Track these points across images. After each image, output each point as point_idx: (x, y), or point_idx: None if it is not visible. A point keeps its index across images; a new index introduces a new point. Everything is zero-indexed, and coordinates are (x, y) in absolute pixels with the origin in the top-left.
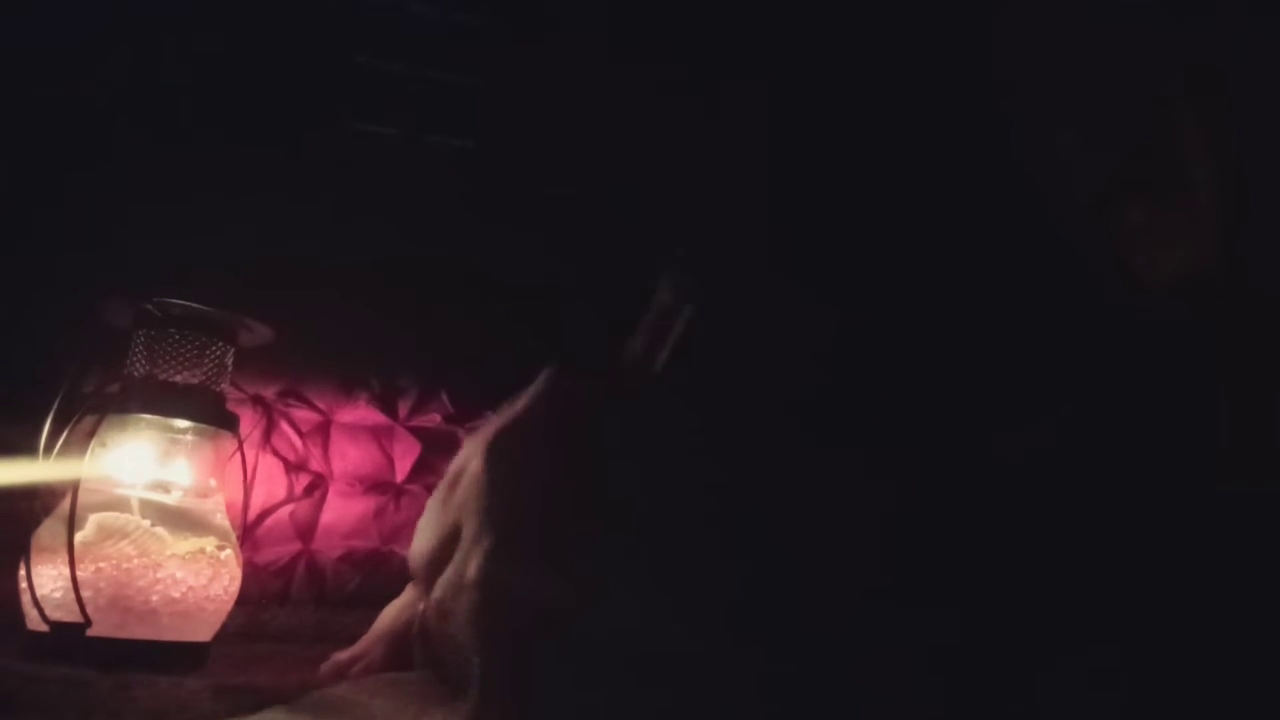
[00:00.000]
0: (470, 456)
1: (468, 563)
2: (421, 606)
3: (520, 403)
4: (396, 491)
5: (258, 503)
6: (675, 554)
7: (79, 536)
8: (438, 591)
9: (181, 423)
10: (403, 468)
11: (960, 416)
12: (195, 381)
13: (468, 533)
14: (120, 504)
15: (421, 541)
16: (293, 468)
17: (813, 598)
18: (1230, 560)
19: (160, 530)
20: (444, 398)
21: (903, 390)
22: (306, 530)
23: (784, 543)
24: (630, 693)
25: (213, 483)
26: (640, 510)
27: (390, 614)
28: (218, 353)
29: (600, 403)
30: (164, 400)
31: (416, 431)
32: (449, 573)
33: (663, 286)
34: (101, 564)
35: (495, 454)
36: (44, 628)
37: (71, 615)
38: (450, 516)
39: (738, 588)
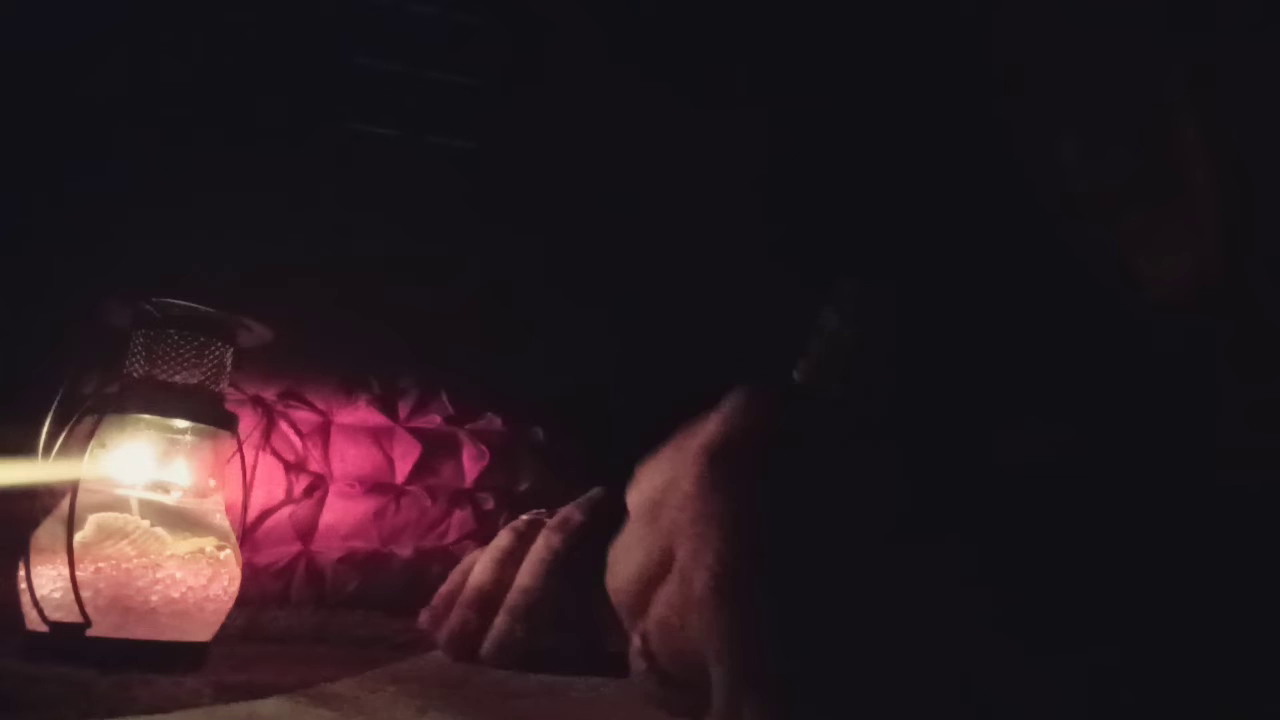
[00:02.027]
0: (673, 479)
1: (691, 583)
2: (642, 628)
3: (722, 423)
4: (397, 493)
5: (257, 503)
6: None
7: (78, 537)
8: (659, 609)
9: (181, 423)
10: (403, 469)
11: (959, 418)
12: (194, 382)
13: (684, 554)
14: (120, 504)
15: (626, 562)
16: (292, 468)
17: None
18: (1230, 561)
19: (160, 530)
20: (444, 399)
21: (903, 392)
22: (306, 531)
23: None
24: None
25: (212, 483)
26: (852, 525)
27: (482, 567)
28: (217, 353)
29: (805, 421)
30: (163, 400)
31: (417, 433)
32: (669, 591)
33: (830, 312)
34: (101, 564)
35: (708, 480)
36: (43, 628)
37: (71, 615)
38: (660, 540)
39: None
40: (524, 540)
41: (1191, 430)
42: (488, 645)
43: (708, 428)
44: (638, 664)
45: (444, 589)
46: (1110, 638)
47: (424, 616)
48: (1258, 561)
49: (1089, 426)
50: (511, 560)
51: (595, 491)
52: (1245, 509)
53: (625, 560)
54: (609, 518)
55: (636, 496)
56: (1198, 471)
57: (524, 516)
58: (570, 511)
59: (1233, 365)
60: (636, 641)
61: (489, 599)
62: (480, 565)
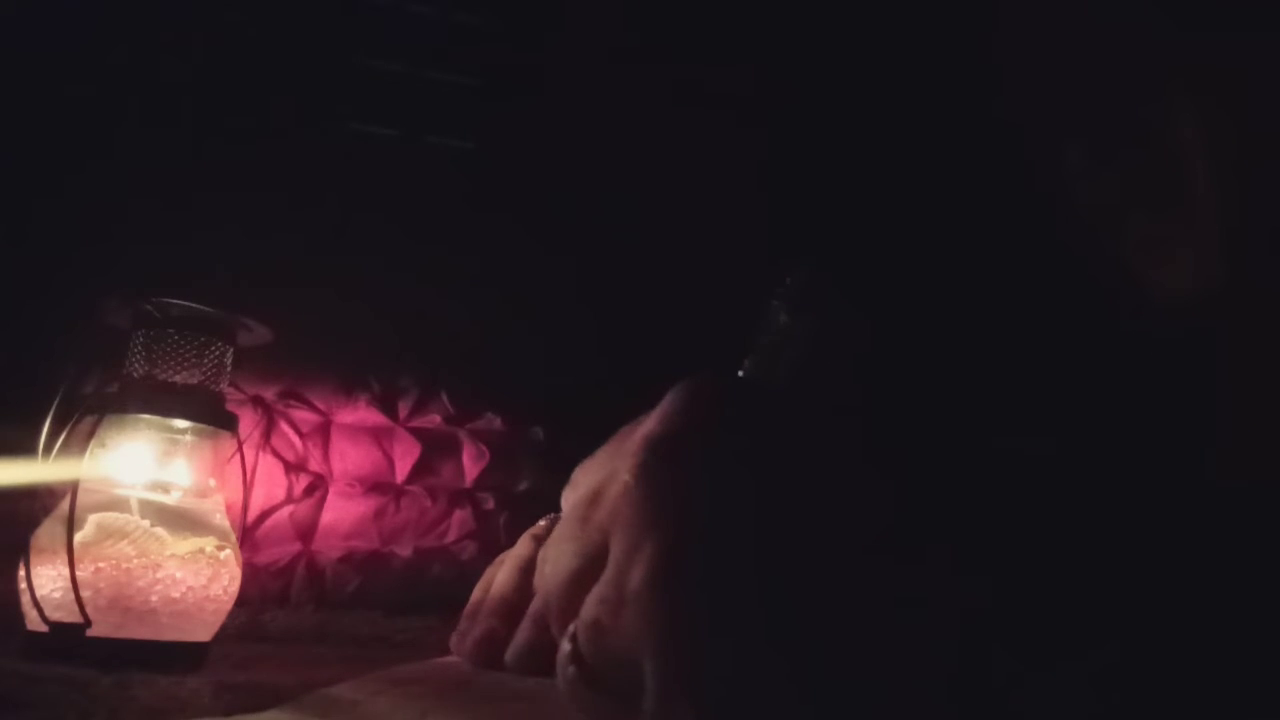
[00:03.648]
0: (612, 473)
1: (627, 576)
2: (571, 629)
3: (663, 416)
4: (397, 492)
5: (257, 503)
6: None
7: (78, 537)
8: (591, 610)
9: (181, 423)
10: (403, 469)
11: (959, 421)
12: (194, 382)
13: (620, 548)
14: (120, 504)
15: (559, 561)
16: (292, 468)
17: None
18: (1230, 563)
19: (160, 530)
20: (444, 398)
21: (903, 392)
22: (306, 531)
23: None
24: (807, 689)
25: (212, 483)
26: (800, 519)
27: (502, 581)
28: (217, 353)
29: (748, 413)
30: (163, 400)
31: (417, 432)
32: (601, 590)
33: (778, 304)
34: (101, 564)
35: (648, 470)
36: (43, 628)
37: (71, 615)
38: (594, 535)
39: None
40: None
41: (1191, 432)
42: (512, 652)
43: (649, 420)
44: (565, 668)
45: (469, 606)
46: (1110, 642)
47: (453, 640)
48: (1257, 563)
49: (1088, 427)
50: (533, 567)
51: None
52: (1245, 511)
53: (556, 560)
54: None
55: (572, 497)
56: (1198, 473)
57: (541, 522)
58: None
59: (1233, 367)
60: (565, 645)
61: (513, 607)
62: (502, 574)
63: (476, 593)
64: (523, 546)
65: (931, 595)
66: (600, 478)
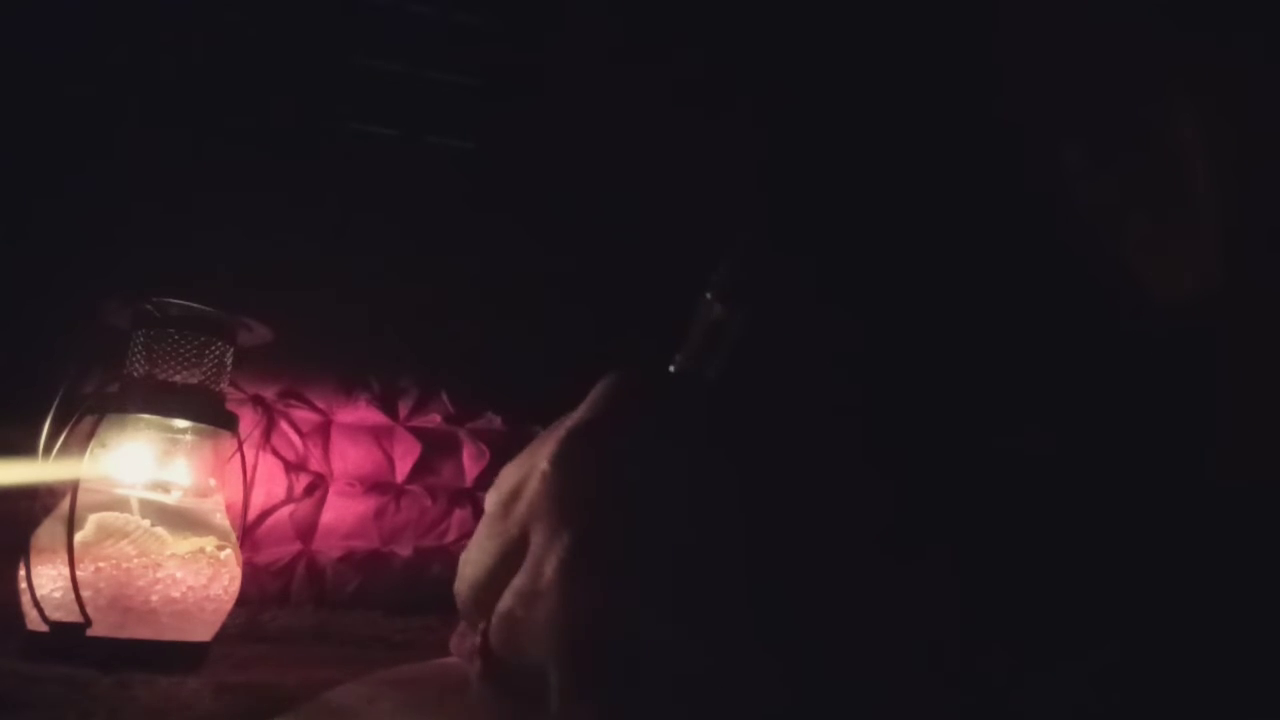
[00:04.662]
0: (532, 467)
1: (542, 566)
2: (482, 626)
3: (585, 408)
4: (397, 492)
5: (257, 503)
6: (748, 560)
7: (78, 536)
8: (505, 602)
9: (181, 423)
10: (403, 468)
11: (959, 419)
12: (194, 381)
13: (538, 539)
14: (120, 504)
15: (478, 560)
16: (292, 468)
17: (820, 597)
18: (1230, 562)
19: (160, 530)
20: (444, 398)
21: (903, 390)
22: (306, 531)
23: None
24: (709, 699)
25: (212, 483)
26: (716, 514)
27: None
28: (217, 353)
29: (672, 405)
30: (163, 400)
31: (417, 432)
32: (518, 582)
33: (710, 295)
34: (101, 564)
35: (566, 457)
36: (44, 628)
37: (71, 615)
38: (513, 529)
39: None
40: None
41: (1191, 432)
42: None
43: (574, 413)
44: (473, 665)
45: None
46: (1110, 642)
47: (453, 640)
48: (1257, 563)
49: (1088, 427)
50: None
51: None
52: (1245, 511)
53: (475, 558)
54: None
55: (494, 496)
56: (1197, 473)
57: None
58: None
59: (1233, 367)
60: (475, 639)
61: None
62: None
63: None
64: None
65: (920, 594)
66: (522, 473)
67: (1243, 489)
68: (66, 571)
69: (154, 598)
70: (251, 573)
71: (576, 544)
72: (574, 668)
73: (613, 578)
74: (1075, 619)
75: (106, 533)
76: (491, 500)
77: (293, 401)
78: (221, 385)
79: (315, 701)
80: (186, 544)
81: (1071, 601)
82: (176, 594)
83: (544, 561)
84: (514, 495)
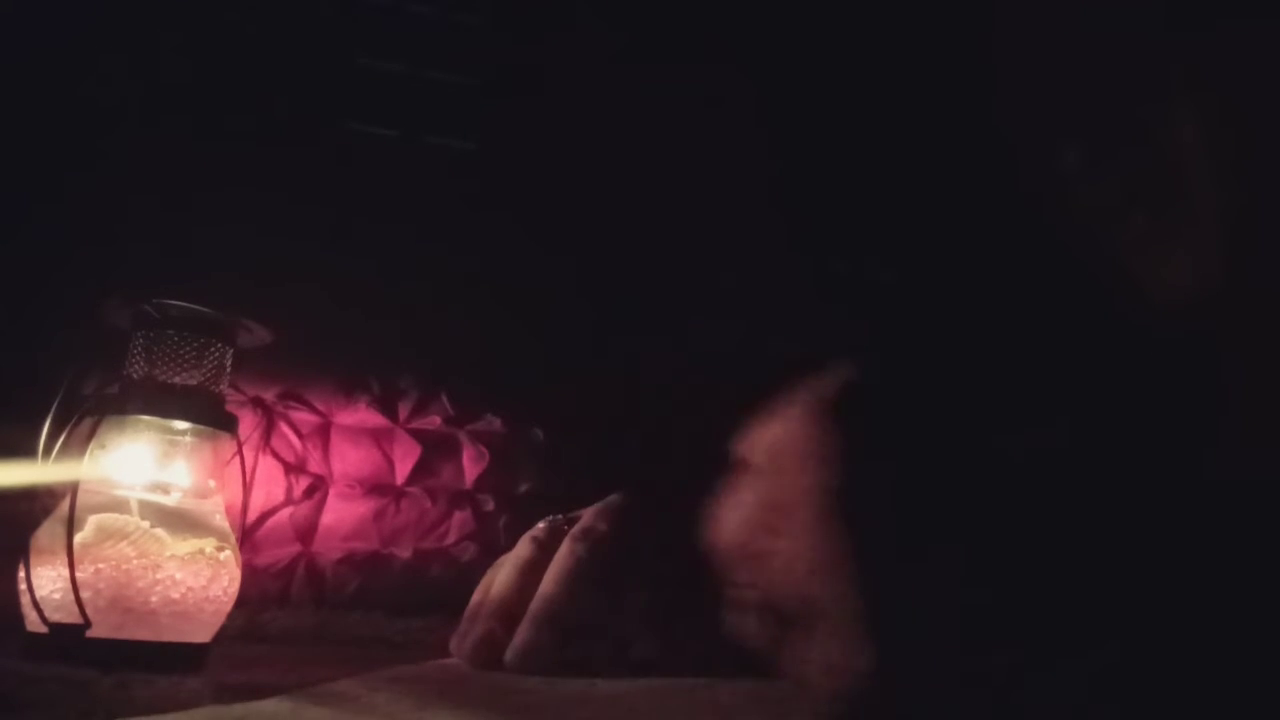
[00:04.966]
0: (790, 431)
1: (797, 509)
2: (747, 569)
3: (801, 398)
4: (396, 494)
5: (257, 505)
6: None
7: (78, 538)
8: (759, 543)
9: (180, 424)
10: (403, 470)
11: (959, 419)
12: (194, 383)
13: (794, 496)
14: (119, 505)
15: (736, 513)
16: (292, 470)
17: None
18: (1230, 562)
19: (160, 531)
20: (444, 400)
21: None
22: (306, 532)
23: None
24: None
25: (212, 484)
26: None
27: (504, 581)
28: (217, 354)
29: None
30: (163, 402)
31: (416, 434)
32: (785, 527)
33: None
34: (101, 565)
35: (823, 429)
36: (43, 629)
37: (71, 616)
38: (770, 488)
39: None
40: (545, 549)
41: (1191, 432)
42: (511, 653)
43: (820, 387)
44: (735, 606)
45: (469, 608)
46: (1110, 642)
47: (453, 641)
48: (1257, 563)
49: (1088, 427)
50: (534, 570)
51: (613, 499)
52: (1244, 511)
53: (729, 511)
54: (630, 527)
55: (738, 458)
56: (1197, 473)
57: (541, 524)
58: (593, 520)
59: (1233, 367)
60: (736, 588)
61: (513, 609)
62: (503, 576)
63: (476, 595)
64: (522, 549)
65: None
66: (771, 439)
67: (1242, 489)
68: (66, 573)
69: (153, 599)
70: (251, 574)
71: (833, 493)
72: (846, 603)
73: (869, 523)
74: (1075, 619)
75: (106, 534)
76: (742, 453)
77: (292, 403)
78: (221, 387)
79: (313, 689)
80: (186, 545)
81: (1071, 601)
82: (176, 595)
83: (799, 507)
84: (772, 455)
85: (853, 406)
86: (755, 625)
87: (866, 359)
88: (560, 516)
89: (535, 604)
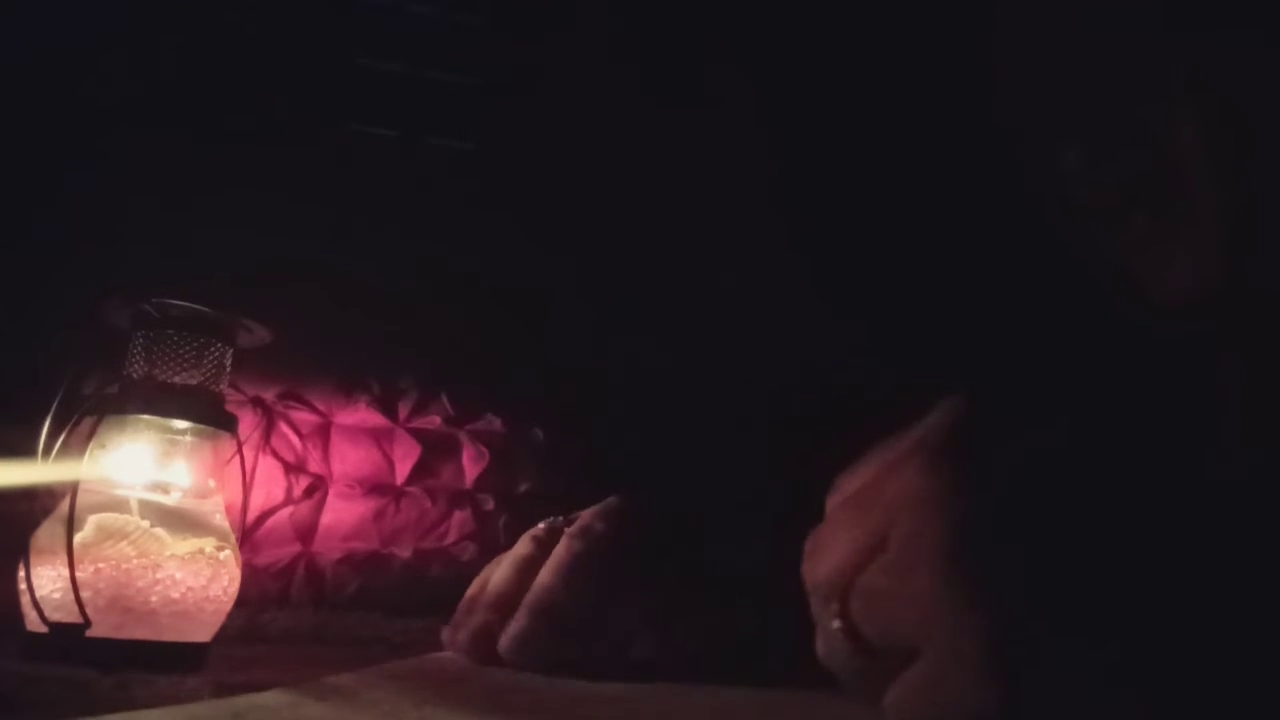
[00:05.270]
0: (891, 470)
1: (915, 548)
2: (848, 601)
3: (944, 419)
4: (396, 494)
5: (257, 504)
6: None
7: (78, 537)
8: (869, 578)
9: (180, 424)
10: (403, 470)
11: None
12: (194, 383)
13: (906, 529)
14: (119, 505)
15: (836, 548)
16: (292, 469)
17: None
18: (1231, 562)
19: (159, 531)
20: (444, 400)
21: (906, 389)
22: (306, 532)
23: None
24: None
25: (212, 484)
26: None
27: (501, 577)
28: (217, 354)
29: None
30: (163, 401)
31: (416, 434)
32: (885, 561)
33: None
34: (101, 565)
35: (940, 463)
36: (43, 628)
37: (71, 616)
38: (873, 523)
39: None
40: (545, 548)
41: (1191, 432)
42: (505, 640)
43: (929, 429)
44: (834, 640)
45: (464, 601)
46: (1109, 642)
47: (446, 633)
48: (1258, 563)
49: (1088, 427)
50: (532, 567)
51: (612, 500)
52: (1245, 511)
53: (831, 545)
54: (629, 527)
55: (839, 497)
56: (1198, 473)
57: (541, 524)
58: (591, 520)
59: (1233, 367)
60: (835, 621)
61: (510, 602)
62: (501, 571)
63: (472, 588)
64: (522, 546)
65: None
66: (869, 478)
67: (1243, 489)
68: (66, 572)
69: (153, 598)
70: (251, 574)
71: (949, 532)
72: (972, 645)
73: (992, 563)
74: (1077, 618)
75: (106, 533)
76: (835, 501)
77: (292, 403)
78: (221, 386)
79: (314, 683)
80: (186, 545)
81: (1073, 601)
82: (176, 595)
83: (916, 546)
84: (866, 496)
85: (969, 447)
86: (847, 656)
87: (976, 393)
88: (561, 517)
89: (530, 594)
